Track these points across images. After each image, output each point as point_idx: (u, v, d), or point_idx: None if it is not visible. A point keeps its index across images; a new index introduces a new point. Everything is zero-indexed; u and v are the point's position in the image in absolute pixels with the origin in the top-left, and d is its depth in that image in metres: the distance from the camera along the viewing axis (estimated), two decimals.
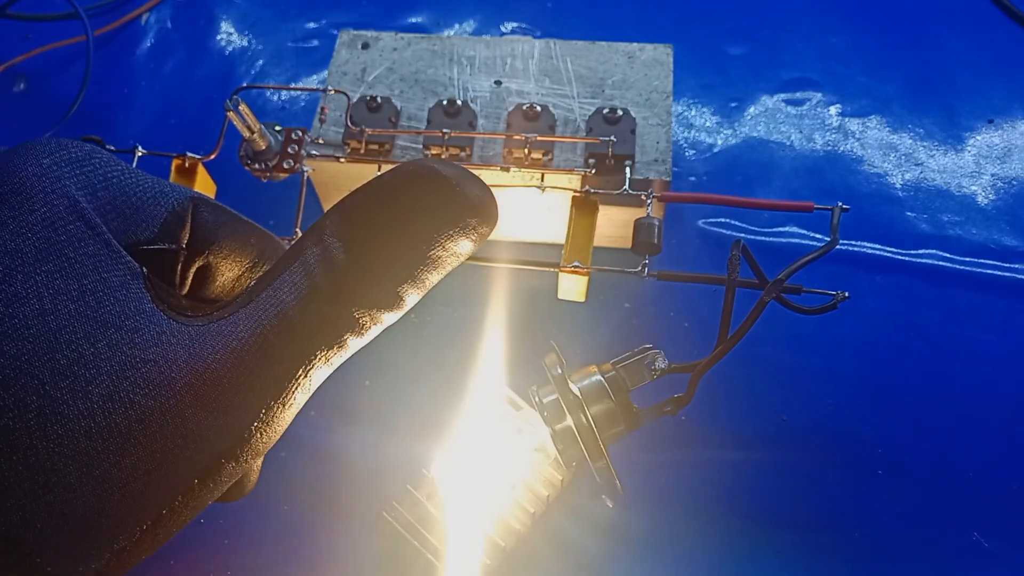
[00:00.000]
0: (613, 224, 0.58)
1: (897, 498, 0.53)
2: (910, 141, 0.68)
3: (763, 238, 0.63)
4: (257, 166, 0.53)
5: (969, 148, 0.68)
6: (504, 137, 0.54)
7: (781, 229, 0.64)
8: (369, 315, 0.27)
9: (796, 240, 0.63)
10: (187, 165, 0.51)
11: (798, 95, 0.71)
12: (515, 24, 0.76)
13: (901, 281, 0.61)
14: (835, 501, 0.53)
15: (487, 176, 0.54)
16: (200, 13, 0.77)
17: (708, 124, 0.70)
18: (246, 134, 0.51)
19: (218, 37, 0.76)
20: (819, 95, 0.71)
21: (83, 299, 0.25)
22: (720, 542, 0.52)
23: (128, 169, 0.28)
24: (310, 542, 0.53)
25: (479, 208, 0.28)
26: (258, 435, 0.27)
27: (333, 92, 0.55)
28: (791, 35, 0.75)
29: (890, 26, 0.75)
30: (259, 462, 0.32)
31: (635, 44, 0.59)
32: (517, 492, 0.50)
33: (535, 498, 0.50)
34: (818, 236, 0.63)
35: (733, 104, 0.71)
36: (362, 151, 0.54)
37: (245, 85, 0.72)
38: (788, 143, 0.68)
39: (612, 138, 0.53)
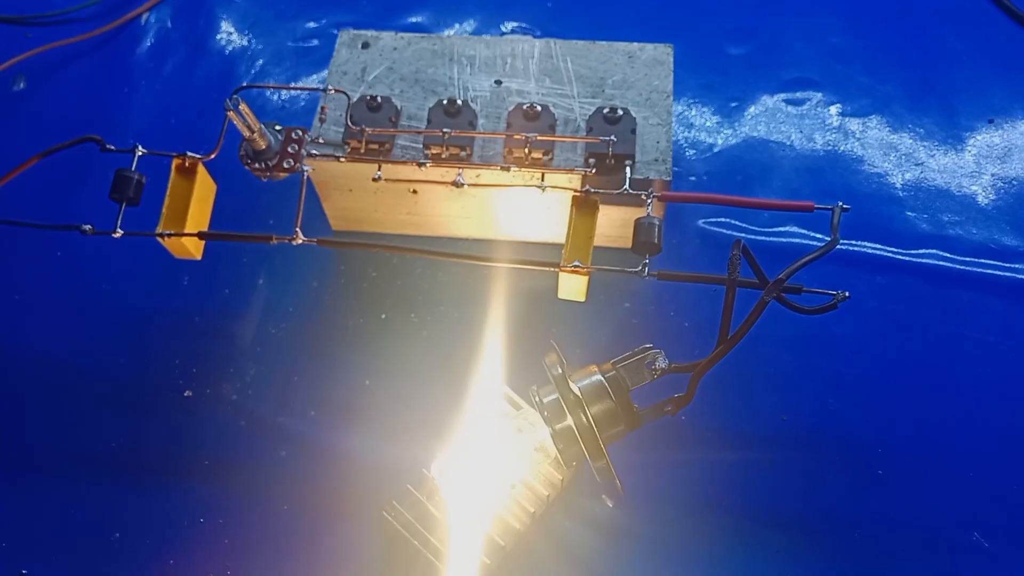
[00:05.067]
0: (613, 224, 0.58)
1: (897, 498, 0.53)
2: (910, 141, 0.68)
3: (763, 238, 0.63)
4: (257, 166, 0.53)
5: (969, 148, 0.68)
6: (504, 137, 0.54)
7: (781, 229, 0.64)
8: None
9: (796, 240, 0.63)
10: (187, 165, 0.51)
11: (798, 95, 0.71)
12: (515, 24, 0.76)
13: (901, 281, 0.61)
14: (835, 501, 0.53)
15: (487, 176, 0.54)
16: (200, 13, 0.77)
17: (708, 124, 0.70)
18: (246, 134, 0.51)
19: (218, 37, 0.76)
20: (819, 95, 0.71)
21: None
22: (720, 542, 0.52)
23: None
24: (310, 542, 0.53)
25: None
26: None
27: (333, 92, 0.55)
28: (791, 35, 0.75)
29: (890, 26, 0.75)
30: None
31: (635, 44, 0.59)
32: (517, 491, 0.50)
33: (535, 498, 0.50)
34: (818, 236, 0.63)
35: (733, 104, 0.71)
36: (362, 150, 0.54)
37: (245, 85, 0.72)
38: (788, 143, 0.68)
39: (612, 138, 0.53)
